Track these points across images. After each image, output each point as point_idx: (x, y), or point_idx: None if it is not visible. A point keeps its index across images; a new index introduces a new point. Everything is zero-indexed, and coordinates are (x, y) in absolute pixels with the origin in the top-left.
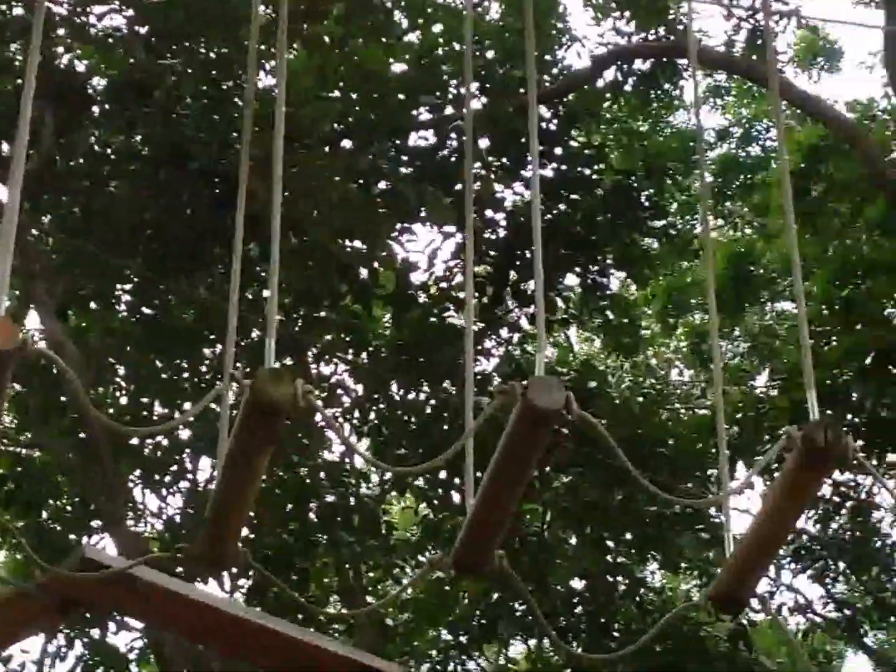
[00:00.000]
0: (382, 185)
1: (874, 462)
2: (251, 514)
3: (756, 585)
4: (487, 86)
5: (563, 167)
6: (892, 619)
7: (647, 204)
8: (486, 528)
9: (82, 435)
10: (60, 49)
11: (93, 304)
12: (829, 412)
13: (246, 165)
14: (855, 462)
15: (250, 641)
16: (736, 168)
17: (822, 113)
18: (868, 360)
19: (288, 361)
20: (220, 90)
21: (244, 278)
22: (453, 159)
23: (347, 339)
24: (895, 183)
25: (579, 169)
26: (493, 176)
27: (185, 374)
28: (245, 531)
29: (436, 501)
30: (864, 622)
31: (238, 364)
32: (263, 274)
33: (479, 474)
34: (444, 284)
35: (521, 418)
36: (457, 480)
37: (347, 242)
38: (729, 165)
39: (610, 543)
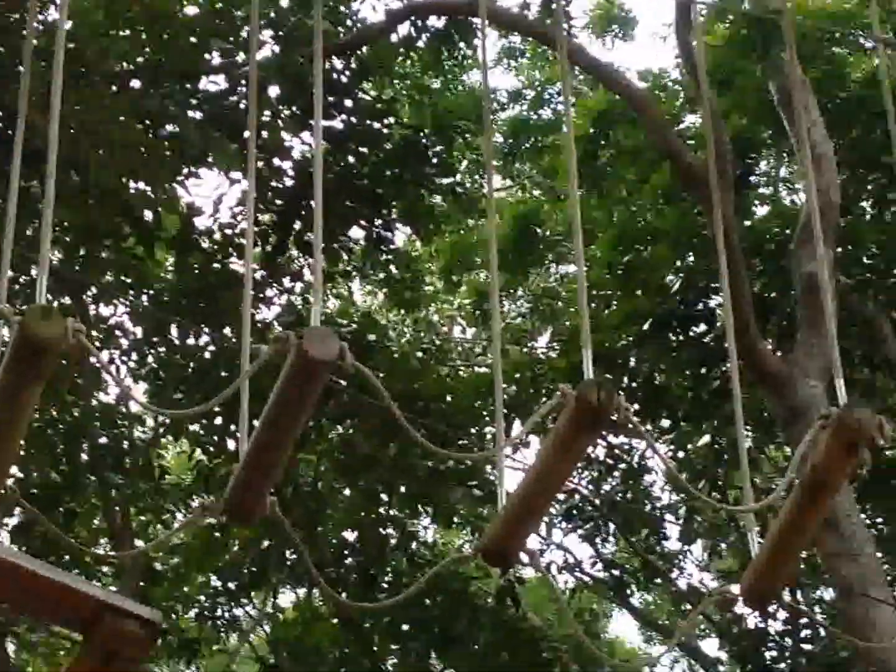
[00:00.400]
0: (169, 127)
1: (648, 427)
2: (19, 452)
3: (525, 541)
4: (280, 34)
5: (353, 120)
6: (658, 580)
7: (435, 161)
8: (258, 474)
9: None
10: None
11: None
12: (606, 375)
13: (26, 99)
14: (628, 424)
15: (4, 582)
16: (527, 130)
17: (612, 80)
18: (646, 326)
19: (66, 301)
20: (5, 20)
21: (25, 216)
22: (242, 106)
23: (128, 280)
24: (681, 152)
25: (369, 122)
26: (282, 125)
27: None
28: (13, 469)
29: (211, 448)
30: (632, 583)
31: (17, 302)
32: None
33: (254, 422)
34: (228, 231)
35: (294, 367)
36: (233, 427)
37: (132, 184)
38: (520, 127)
39: (383, 496)
